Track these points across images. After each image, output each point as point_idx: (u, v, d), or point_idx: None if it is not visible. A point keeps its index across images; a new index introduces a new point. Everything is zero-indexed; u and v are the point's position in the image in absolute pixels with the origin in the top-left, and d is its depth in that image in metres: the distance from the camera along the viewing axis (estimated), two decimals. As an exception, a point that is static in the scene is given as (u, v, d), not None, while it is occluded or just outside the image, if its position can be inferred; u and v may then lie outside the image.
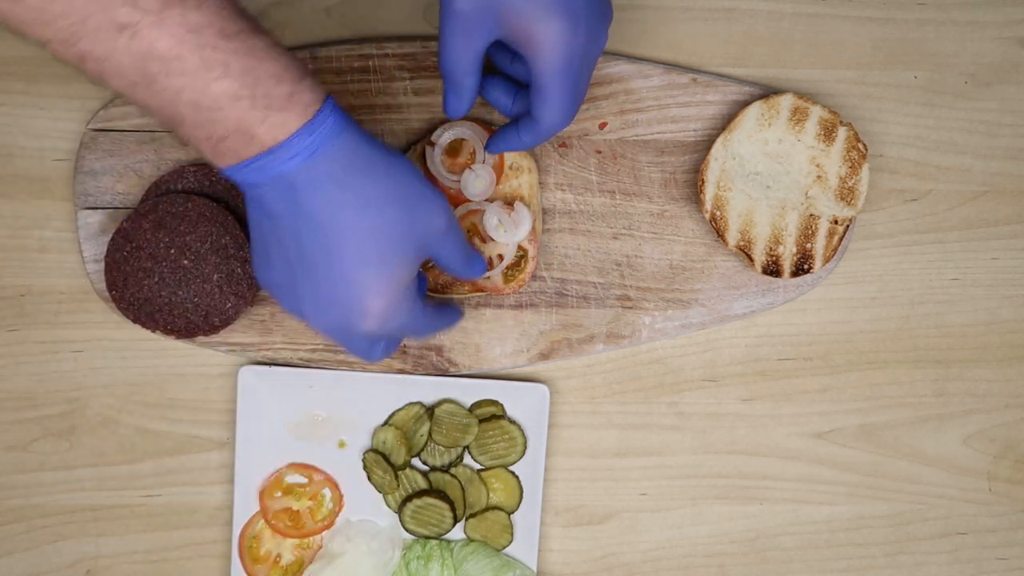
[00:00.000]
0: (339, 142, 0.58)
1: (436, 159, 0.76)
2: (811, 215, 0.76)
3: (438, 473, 0.79)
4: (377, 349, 0.66)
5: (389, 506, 0.79)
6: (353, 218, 0.58)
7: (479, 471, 0.79)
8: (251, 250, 0.64)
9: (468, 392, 0.79)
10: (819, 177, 0.76)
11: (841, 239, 0.76)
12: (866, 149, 0.76)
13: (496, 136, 0.72)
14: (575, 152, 0.79)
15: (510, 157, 0.77)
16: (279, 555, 0.79)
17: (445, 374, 0.79)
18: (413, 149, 0.78)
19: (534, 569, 0.78)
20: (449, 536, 0.79)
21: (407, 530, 0.79)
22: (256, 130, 0.56)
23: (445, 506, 0.77)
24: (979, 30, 0.80)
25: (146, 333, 0.79)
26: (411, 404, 0.79)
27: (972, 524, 0.81)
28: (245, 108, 0.55)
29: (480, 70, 0.66)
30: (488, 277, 0.77)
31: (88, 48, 0.53)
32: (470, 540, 0.79)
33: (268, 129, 0.56)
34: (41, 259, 0.79)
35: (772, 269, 0.76)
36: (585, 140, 0.79)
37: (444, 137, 0.76)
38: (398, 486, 0.78)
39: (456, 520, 0.78)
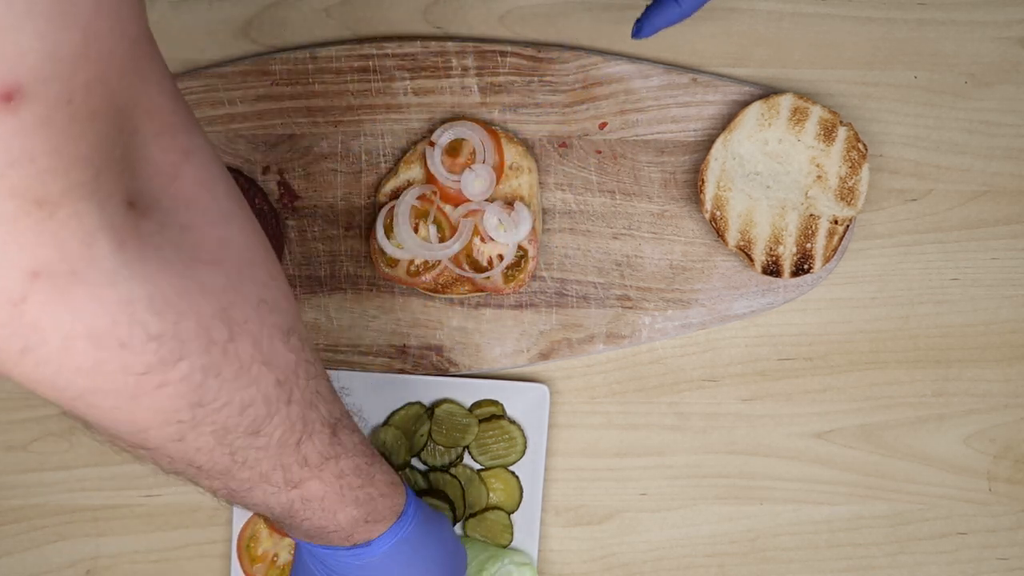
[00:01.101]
0: (411, 528, 0.63)
1: (436, 159, 0.76)
2: (811, 215, 0.76)
3: (438, 473, 0.79)
4: None
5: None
6: None
7: (479, 471, 0.79)
8: (294, 571, 0.69)
9: (468, 392, 0.79)
10: (819, 177, 0.76)
11: (841, 239, 0.76)
12: (866, 149, 0.76)
13: (647, 16, 0.68)
14: (575, 152, 0.79)
15: (510, 157, 0.77)
16: (276, 554, 0.79)
17: (445, 374, 0.79)
18: (413, 149, 0.78)
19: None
20: (449, 536, 0.79)
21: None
22: (356, 536, 0.61)
23: (445, 506, 0.77)
24: (979, 30, 0.80)
25: (146, 333, 0.79)
26: (411, 404, 0.79)
27: (972, 524, 0.81)
28: (359, 526, 0.60)
29: None
30: (488, 277, 0.77)
31: (249, 498, 0.55)
32: (465, 535, 0.79)
33: (366, 535, 0.61)
34: (41, 259, 0.79)
35: (772, 269, 0.76)
36: (585, 140, 0.79)
37: (444, 137, 0.77)
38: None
39: (456, 520, 0.78)
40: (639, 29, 0.69)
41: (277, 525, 0.61)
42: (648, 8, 0.68)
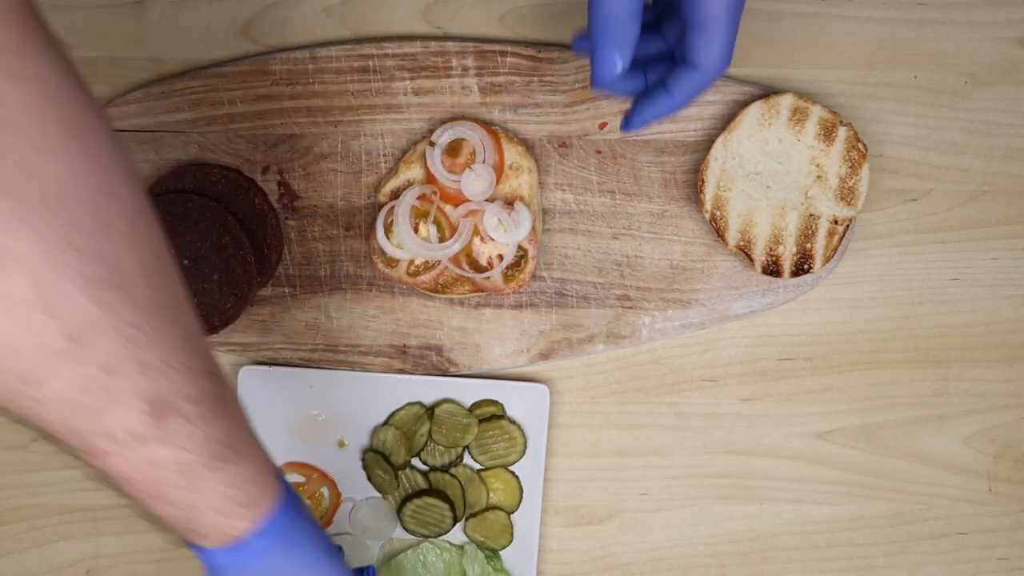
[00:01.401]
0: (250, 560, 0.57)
1: (436, 159, 0.76)
2: (811, 215, 0.76)
3: (438, 473, 0.79)
4: None
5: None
6: None
7: (479, 471, 0.79)
8: None
9: (468, 392, 0.79)
10: (819, 177, 0.76)
11: (841, 239, 0.76)
12: (866, 149, 0.76)
13: (637, 109, 0.66)
14: (575, 152, 0.79)
15: (510, 157, 0.77)
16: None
17: (445, 374, 0.79)
18: (413, 149, 0.78)
19: (533, 569, 0.78)
20: (448, 537, 0.79)
21: (407, 530, 0.79)
22: (189, 536, 0.56)
23: (445, 506, 0.77)
24: (979, 30, 0.80)
25: (146, 333, 0.79)
26: (411, 404, 0.79)
27: (972, 524, 0.81)
28: (183, 528, 0.55)
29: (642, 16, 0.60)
30: (488, 277, 0.77)
31: (110, 461, 0.51)
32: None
33: (197, 539, 0.56)
34: (41, 259, 0.79)
35: (772, 269, 0.76)
36: (585, 140, 0.79)
37: (444, 137, 0.77)
38: (398, 486, 0.79)
39: (456, 520, 0.78)
40: (628, 122, 0.67)
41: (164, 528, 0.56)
42: (637, 100, 0.66)
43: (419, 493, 0.78)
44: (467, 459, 0.79)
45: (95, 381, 0.47)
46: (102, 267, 0.46)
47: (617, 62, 0.60)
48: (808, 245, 0.76)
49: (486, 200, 0.76)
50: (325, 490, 0.79)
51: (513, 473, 0.79)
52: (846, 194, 0.76)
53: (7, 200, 0.44)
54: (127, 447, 0.50)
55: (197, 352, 0.51)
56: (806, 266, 0.76)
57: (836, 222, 0.76)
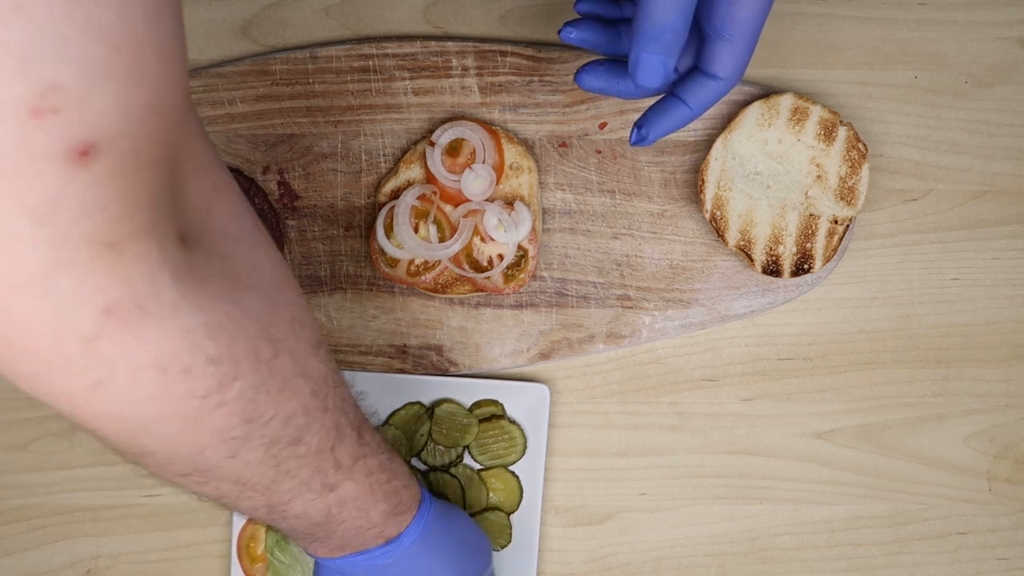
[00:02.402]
0: (432, 514, 0.65)
1: (436, 159, 0.76)
2: (811, 215, 0.76)
3: (438, 473, 0.79)
4: None
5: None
6: (438, 572, 0.66)
7: (479, 471, 0.79)
8: None
9: (468, 392, 0.79)
10: (819, 177, 0.76)
11: (841, 239, 0.76)
12: (866, 149, 0.76)
13: (652, 122, 0.64)
14: (575, 152, 0.79)
15: (510, 157, 0.77)
16: (279, 555, 0.79)
17: (445, 374, 0.79)
18: (413, 149, 0.78)
19: (533, 572, 0.78)
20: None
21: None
22: (388, 531, 0.62)
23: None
24: (979, 30, 0.80)
25: (146, 333, 0.79)
26: (411, 404, 0.79)
27: (972, 524, 0.81)
28: (390, 519, 0.62)
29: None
30: (488, 277, 0.77)
31: (290, 509, 0.56)
32: None
33: (396, 527, 0.63)
34: (41, 259, 0.79)
35: (772, 269, 0.76)
36: (585, 140, 0.79)
37: (444, 137, 0.76)
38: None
39: (456, 520, 0.78)
40: (643, 136, 0.65)
41: (307, 542, 0.62)
42: (650, 110, 0.64)
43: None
44: (467, 459, 0.79)
45: (333, 425, 0.55)
46: (312, 331, 0.54)
47: (663, 71, 0.59)
48: (808, 245, 0.76)
49: (486, 200, 0.76)
50: (325, 490, 0.79)
51: (513, 473, 0.79)
52: (846, 194, 0.76)
53: (255, 292, 0.49)
54: (351, 469, 0.58)
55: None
56: (806, 266, 0.76)
57: (836, 222, 0.76)
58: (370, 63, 0.78)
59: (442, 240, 0.76)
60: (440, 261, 0.77)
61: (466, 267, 0.77)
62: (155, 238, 0.41)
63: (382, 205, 0.77)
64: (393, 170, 0.78)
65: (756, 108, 0.76)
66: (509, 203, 0.77)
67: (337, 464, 0.56)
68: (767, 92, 0.78)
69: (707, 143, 0.79)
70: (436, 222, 0.77)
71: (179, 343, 0.43)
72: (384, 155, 0.79)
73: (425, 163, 0.77)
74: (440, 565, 0.66)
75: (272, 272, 0.51)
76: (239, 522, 0.78)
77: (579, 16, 0.67)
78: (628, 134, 0.78)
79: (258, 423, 0.49)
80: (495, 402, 0.79)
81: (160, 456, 0.48)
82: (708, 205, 0.76)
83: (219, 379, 0.45)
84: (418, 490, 0.65)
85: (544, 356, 0.79)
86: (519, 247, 0.77)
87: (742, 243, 0.76)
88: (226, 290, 0.46)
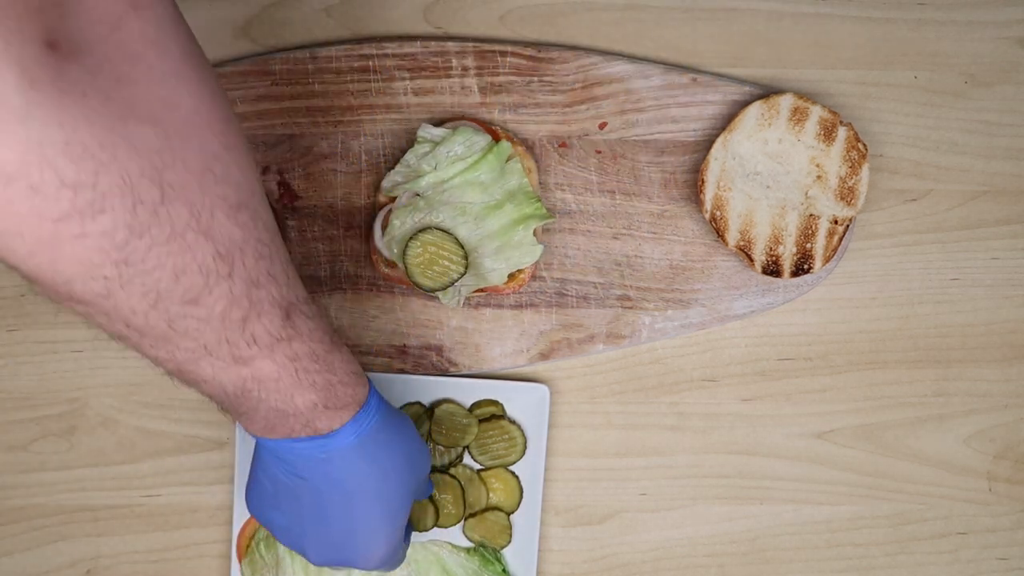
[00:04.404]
0: (375, 424, 0.63)
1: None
2: (811, 215, 0.76)
3: (438, 473, 0.79)
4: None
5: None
6: (376, 485, 0.64)
7: (479, 471, 0.79)
8: (251, 486, 0.67)
9: (468, 392, 0.79)
10: (819, 177, 0.76)
11: (841, 239, 0.76)
12: (866, 149, 0.76)
13: None
14: (575, 152, 0.79)
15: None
16: (279, 555, 0.79)
17: (445, 374, 0.79)
18: (413, 149, 0.78)
19: (533, 571, 0.78)
20: (448, 537, 0.79)
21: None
22: (318, 424, 0.60)
23: (448, 497, 0.77)
24: (979, 30, 0.80)
25: (146, 333, 0.79)
26: (411, 404, 0.79)
27: (972, 524, 0.81)
28: (319, 412, 0.60)
29: None
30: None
31: (198, 370, 0.55)
32: None
33: (328, 422, 0.61)
34: (41, 259, 0.79)
35: (772, 269, 0.76)
36: (585, 140, 0.79)
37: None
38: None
39: (456, 520, 0.78)
40: None
41: (235, 415, 0.60)
42: None
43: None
44: (467, 459, 0.79)
45: (244, 295, 0.52)
46: (234, 190, 0.50)
47: None
48: (808, 245, 0.76)
49: (486, 200, 0.76)
50: (325, 490, 0.79)
51: (513, 473, 0.79)
52: (846, 194, 0.76)
53: (154, 128, 0.45)
54: (271, 348, 0.55)
55: (292, 262, 0.58)
56: (806, 266, 0.76)
57: (836, 222, 0.76)
58: (370, 63, 0.78)
59: (442, 240, 0.76)
60: (440, 261, 0.77)
61: (466, 267, 0.77)
62: (1, 32, 0.38)
63: (382, 205, 0.77)
64: (393, 170, 0.78)
65: (756, 108, 0.76)
66: (509, 203, 0.77)
67: (252, 339, 0.54)
68: (767, 92, 0.78)
69: (707, 143, 0.79)
70: (436, 222, 0.76)
71: (24, 155, 0.40)
72: (384, 155, 0.79)
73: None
74: (376, 474, 0.63)
75: (191, 113, 0.48)
76: (239, 522, 0.78)
77: None
78: (628, 134, 0.78)
79: (135, 269, 0.47)
80: (495, 402, 0.79)
81: (30, 277, 0.47)
82: (708, 205, 0.76)
83: (77, 207, 0.43)
84: (363, 392, 0.62)
85: (544, 356, 0.79)
86: (519, 247, 0.77)
87: (742, 243, 0.76)
88: (109, 116, 0.43)
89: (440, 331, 0.79)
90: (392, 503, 0.65)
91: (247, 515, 0.78)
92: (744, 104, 0.78)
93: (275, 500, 0.65)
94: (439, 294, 0.75)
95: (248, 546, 0.78)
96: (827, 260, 0.76)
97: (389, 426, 0.65)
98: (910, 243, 0.80)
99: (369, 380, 0.64)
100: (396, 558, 0.69)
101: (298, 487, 0.63)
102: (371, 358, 0.79)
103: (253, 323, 0.54)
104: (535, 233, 0.76)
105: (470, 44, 0.78)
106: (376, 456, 0.63)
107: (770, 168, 0.76)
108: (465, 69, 0.78)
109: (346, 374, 0.61)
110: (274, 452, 0.63)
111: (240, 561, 0.78)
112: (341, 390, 0.61)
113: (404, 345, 0.79)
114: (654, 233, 0.79)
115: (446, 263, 0.74)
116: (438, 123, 0.78)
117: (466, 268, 0.74)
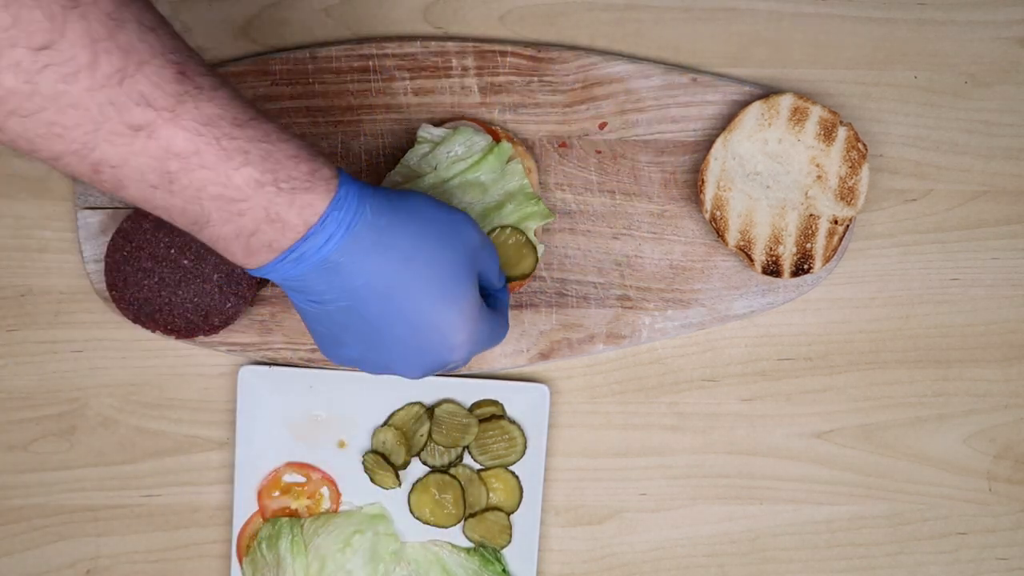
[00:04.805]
0: (365, 209, 0.57)
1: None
2: (811, 215, 0.76)
3: (438, 473, 0.79)
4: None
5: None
6: (407, 274, 0.58)
7: (479, 471, 0.79)
8: (314, 338, 0.62)
9: (468, 392, 0.79)
10: (819, 177, 0.76)
11: (841, 239, 0.76)
12: (866, 149, 0.76)
13: None
14: (575, 152, 0.79)
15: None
16: (279, 555, 0.79)
17: (445, 374, 0.79)
18: (413, 149, 0.78)
19: (534, 568, 0.78)
20: (448, 538, 0.79)
21: (416, 516, 0.79)
22: (286, 216, 0.55)
23: (448, 496, 0.77)
24: (979, 30, 0.80)
25: (146, 333, 0.79)
26: (411, 404, 0.79)
27: (972, 524, 0.81)
28: (271, 194, 0.54)
29: None
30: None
31: (103, 155, 0.51)
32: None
33: (298, 212, 0.55)
34: (41, 259, 0.79)
35: (772, 269, 0.76)
36: (585, 140, 0.79)
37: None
38: (399, 485, 0.79)
39: (456, 520, 0.78)
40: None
41: (199, 231, 0.55)
42: None
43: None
44: (467, 459, 0.79)
45: (108, 39, 0.48)
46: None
47: None
48: (808, 245, 0.76)
49: (486, 200, 0.76)
50: (325, 490, 0.79)
51: (513, 473, 0.79)
52: (846, 194, 0.76)
53: None
54: (172, 111, 0.51)
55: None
56: (806, 266, 0.76)
57: (836, 222, 0.76)
58: (370, 63, 0.78)
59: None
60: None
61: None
62: None
63: (382, 205, 0.77)
64: (393, 171, 0.78)
65: (756, 108, 0.76)
66: (509, 203, 0.77)
67: (142, 98, 0.50)
68: (767, 92, 0.78)
69: (707, 143, 0.79)
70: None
71: None
72: (384, 155, 0.79)
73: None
74: (397, 261, 0.58)
75: None
76: (239, 522, 0.78)
77: None
78: (628, 134, 0.79)
79: None
80: (495, 402, 0.79)
81: None
82: (708, 205, 0.76)
83: None
84: (327, 171, 0.56)
85: (544, 356, 0.79)
86: (519, 247, 0.77)
87: (742, 243, 0.76)
88: None
89: (440, 331, 0.79)
90: (441, 284, 0.59)
91: (247, 515, 0.78)
92: (744, 104, 0.78)
93: (333, 338, 0.61)
94: None
95: (249, 546, 0.78)
96: (827, 260, 0.76)
97: (392, 206, 0.58)
98: (910, 243, 0.80)
99: (341, 169, 0.58)
100: (491, 329, 0.64)
101: (334, 314, 0.59)
102: (371, 358, 0.79)
103: (136, 78, 0.49)
104: (535, 233, 0.76)
105: (470, 44, 0.78)
106: (387, 245, 0.57)
107: (770, 168, 0.76)
108: (465, 69, 0.78)
109: (290, 147, 0.55)
110: (288, 287, 0.58)
111: (240, 561, 0.78)
112: (289, 164, 0.54)
113: (404, 345, 0.79)
114: (654, 233, 0.79)
115: None
116: (438, 123, 0.78)
117: None
